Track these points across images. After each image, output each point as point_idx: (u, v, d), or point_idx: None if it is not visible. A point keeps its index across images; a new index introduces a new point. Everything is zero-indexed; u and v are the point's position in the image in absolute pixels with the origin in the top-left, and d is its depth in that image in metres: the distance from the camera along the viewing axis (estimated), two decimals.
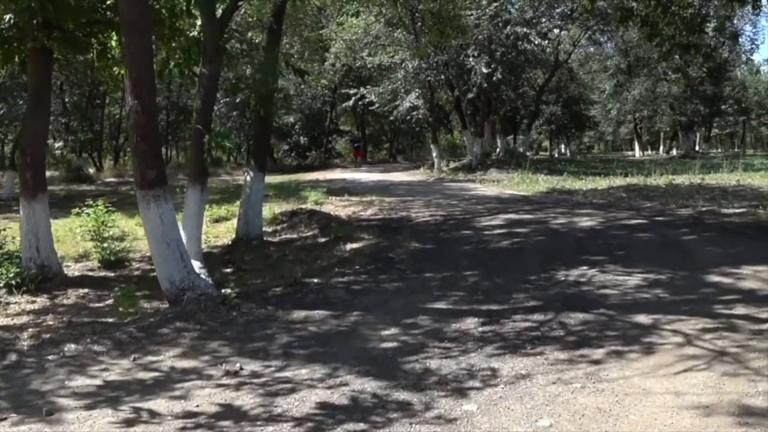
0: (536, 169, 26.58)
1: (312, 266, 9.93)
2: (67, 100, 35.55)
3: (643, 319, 6.29)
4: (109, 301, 9.01)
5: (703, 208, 14.07)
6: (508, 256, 9.60)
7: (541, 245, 10.29)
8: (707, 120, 48.26)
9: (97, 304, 8.82)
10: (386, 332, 6.36)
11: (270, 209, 15.66)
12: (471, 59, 24.66)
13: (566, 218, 13.12)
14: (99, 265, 11.32)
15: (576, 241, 10.51)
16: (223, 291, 7.99)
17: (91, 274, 10.98)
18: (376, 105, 29.39)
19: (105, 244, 11.59)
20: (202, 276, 8.88)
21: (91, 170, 34.45)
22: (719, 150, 59.86)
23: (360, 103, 30.60)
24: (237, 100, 37.43)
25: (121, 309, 8.31)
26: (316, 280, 8.62)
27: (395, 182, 25.33)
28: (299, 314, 7.17)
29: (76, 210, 14.68)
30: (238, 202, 15.95)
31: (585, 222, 12.46)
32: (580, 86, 46.29)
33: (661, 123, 52.27)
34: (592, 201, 16.74)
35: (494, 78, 25.24)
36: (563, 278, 8.03)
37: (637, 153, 51.09)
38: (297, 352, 5.94)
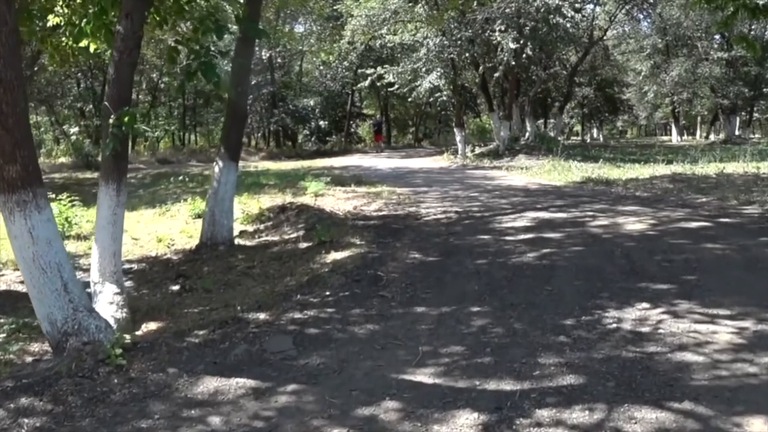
0: (568, 155, 23.46)
1: (274, 287, 7.28)
2: (82, 85, 33.33)
3: (761, 429, 3.53)
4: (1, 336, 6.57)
5: None
6: (535, 279, 6.80)
7: (579, 261, 7.45)
8: (749, 103, 44.38)
9: None
10: None
11: (258, 203, 13.07)
12: (497, 34, 21.62)
13: (608, 218, 10.28)
14: None
15: (625, 254, 7.65)
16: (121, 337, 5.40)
17: (19, 288, 8.52)
18: (396, 86, 26.47)
19: None
20: (111, 310, 6.29)
21: None
22: (758, 135, 55.73)
23: (378, 84, 27.69)
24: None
25: None
26: (262, 317, 5.96)
27: (414, 169, 22.50)
28: (208, 385, 4.53)
29: None
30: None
31: (632, 225, 9.61)
32: (614, 68, 42.76)
33: (700, 106, 48.39)
34: (635, 194, 13.81)
35: (523, 55, 22.19)
36: (614, 325, 5.24)
37: (675, 138, 47.33)
38: None
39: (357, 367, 4.70)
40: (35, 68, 22.68)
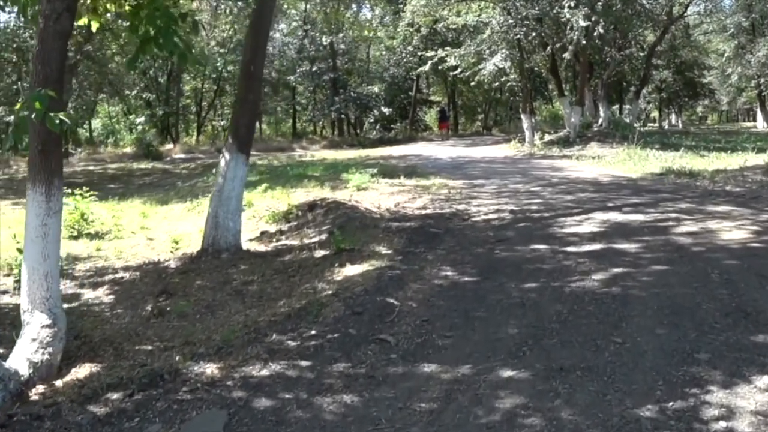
0: (645, 142, 20.78)
1: (259, 315, 5.49)
2: (148, 75, 32.41)
3: None
4: None
5: None
6: (599, 320, 4.73)
7: (662, 290, 5.31)
8: None
9: None
10: None
11: (289, 199, 11.31)
12: (566, 11, 19.14)
13: (696, 222, 8.06)
14: (15, 284, 7.43)
15: (726, 280, 5.48)
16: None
17: None
18: (459, 69, 24.26)
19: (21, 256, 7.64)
20: (30, 350, 4.61)
21: (170, 146, 31.18)
22: None
23: (440, 67, 25.53)
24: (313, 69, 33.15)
25: None
26: (209, 371, 4.17)
27: (475, 159, 20.33)
28: None
29: None
30: (260, 186, 11.76)
31: (729, 232, 7.38)
32: (694, 49, 39.08)
33: None
34: (725, 189, 11.41)
35: (595, 34, 19.59)
36: (723, 423, 3.17)
37: (760, 124, 43.08)
38: None
39: None
40: (78, 56, 21.60)
